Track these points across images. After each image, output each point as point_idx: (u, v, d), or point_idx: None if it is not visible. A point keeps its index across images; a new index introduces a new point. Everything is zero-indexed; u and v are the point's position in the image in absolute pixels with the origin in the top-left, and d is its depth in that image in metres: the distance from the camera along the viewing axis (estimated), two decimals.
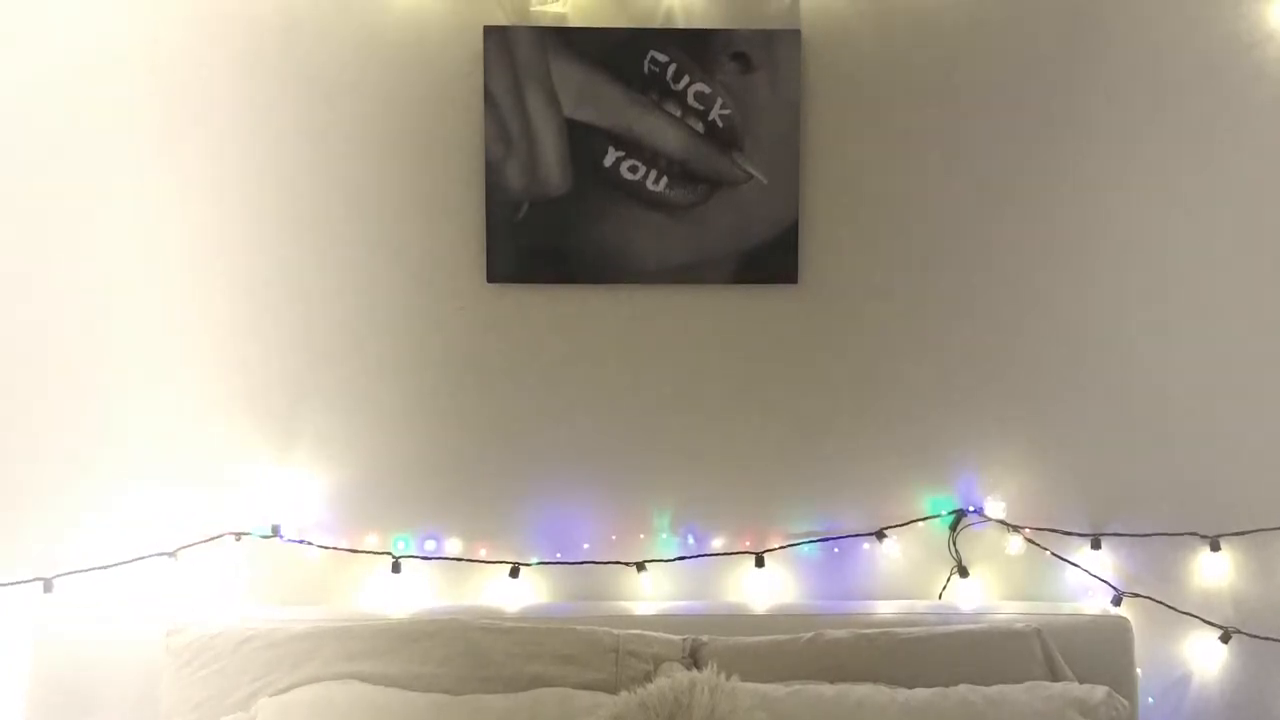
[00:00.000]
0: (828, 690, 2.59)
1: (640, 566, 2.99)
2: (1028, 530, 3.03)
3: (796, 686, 2.60)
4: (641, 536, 3.01)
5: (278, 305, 2.96)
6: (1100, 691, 2.60)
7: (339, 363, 2.97)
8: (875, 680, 2.64)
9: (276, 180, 2.94)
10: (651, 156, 2.95)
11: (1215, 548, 3.02)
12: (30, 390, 2.93)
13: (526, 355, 2.99)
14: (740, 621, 2.90)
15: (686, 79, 2.95)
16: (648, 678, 2.62)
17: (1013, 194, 3.02)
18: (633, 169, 2.95)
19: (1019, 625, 2.82)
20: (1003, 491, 3.03)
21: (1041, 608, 2.98)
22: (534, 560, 2.99)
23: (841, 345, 3.02)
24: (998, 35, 3.00)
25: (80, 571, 2.90)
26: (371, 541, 2.97)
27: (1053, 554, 3.02)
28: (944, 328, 3.03)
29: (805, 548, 3.02)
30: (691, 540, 3.02)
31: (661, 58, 2.94)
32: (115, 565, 2.91)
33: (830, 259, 3.00)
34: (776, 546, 3.01)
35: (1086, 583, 3.02)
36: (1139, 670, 2.94)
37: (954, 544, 3.03)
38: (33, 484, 2.93)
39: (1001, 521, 3.02)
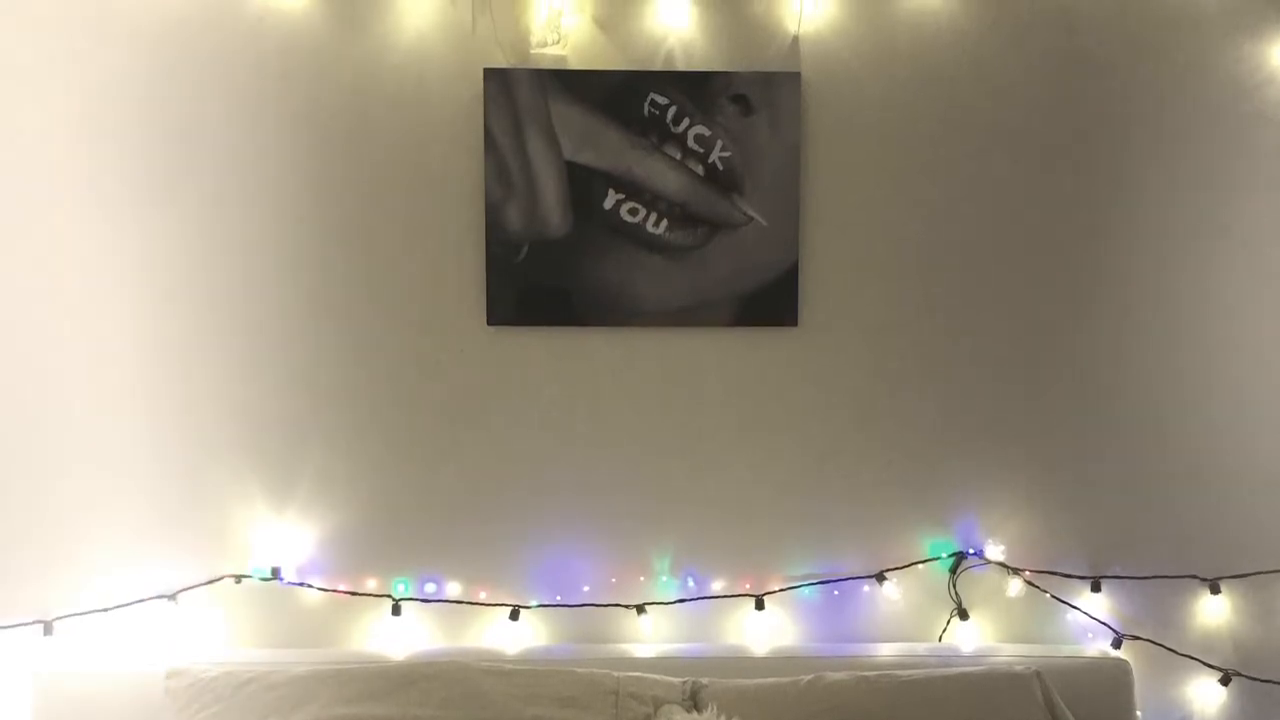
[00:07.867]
0: None
1: (640, 609, 2.99)
2: (1028, 573, 3.02)
3: None
4: (641, 579, 3.01)
5: (277, 348, 2.96)
6: None
7: (339, 406, 2.97)
8: None
9: (276, 223, 2.95)
10: (651, 199, 2.95)
11: (1215, 590, 3.02)
12: (30, 434, 2.93)
13: (526, 397, 2.99)
14: (740, 664, 2.91)
15: (686, 121, 2.95)
16: None
17: (1014, 237, 3.02)
18: (633, 211, 2.96)
19: (1019, 667, 2.82)
20: (1003, 534, 3.03)
21: (1041, 650, 2.99)
22: (534, 603, 2.99)
23: (841, 388, 3.02)
24: (998, 78, 3.00)
25: (80, 614, 2.91)
26: (371, 584, 2.98)
27: (1053, 596, 3.02)
28: (944, 371, 3.03)
29: (805, 590, 3.02)
30: (691, 583, 3.01)
31: (661, 100, 2.94)
32: (115, 608, 2.91)
33: (830, 301, 3.00)
34: (776, 589, 3.01)
35: (1086, 625, 3.02)
36: (1139, 713, 2.94)
37: (954, 586, 3.03)
38: (33, 527, 2.93)
39: (1001, 564, 3.02)
